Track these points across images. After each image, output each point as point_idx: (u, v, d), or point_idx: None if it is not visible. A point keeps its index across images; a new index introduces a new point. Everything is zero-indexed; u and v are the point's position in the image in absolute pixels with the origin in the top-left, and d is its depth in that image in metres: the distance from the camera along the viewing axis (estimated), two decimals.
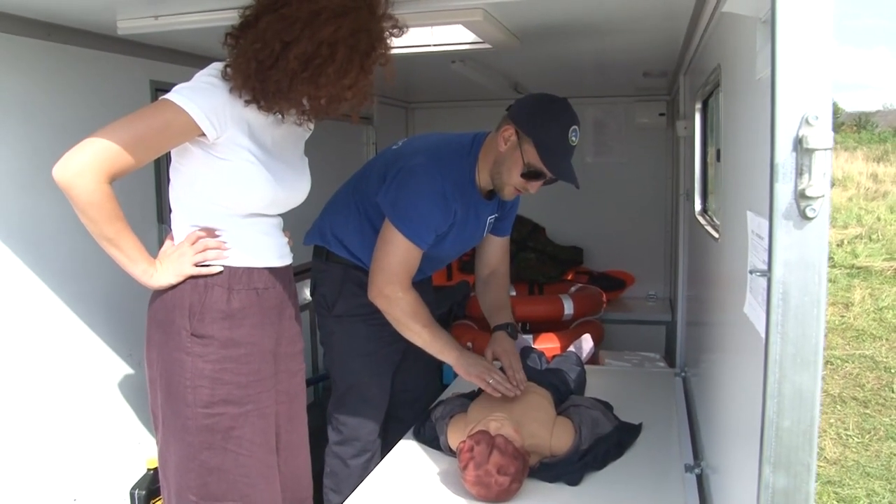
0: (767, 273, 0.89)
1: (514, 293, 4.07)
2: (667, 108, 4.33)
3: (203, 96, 1.59)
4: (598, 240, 4.61)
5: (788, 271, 0.86)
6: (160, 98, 1.61)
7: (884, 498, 3.94)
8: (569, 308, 3.72)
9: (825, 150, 0.82)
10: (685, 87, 3.05)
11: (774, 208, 0.86)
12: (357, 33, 1.56)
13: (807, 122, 0.83)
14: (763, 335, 1.03)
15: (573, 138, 2.10)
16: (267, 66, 1.56)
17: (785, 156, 0.85)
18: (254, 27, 1.58)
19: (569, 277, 4.47)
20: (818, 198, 0.84)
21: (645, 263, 4.58)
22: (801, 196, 0.84)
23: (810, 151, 0.83)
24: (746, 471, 1.33)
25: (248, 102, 1.62)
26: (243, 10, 1.60)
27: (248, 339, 1.74)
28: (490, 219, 2.36)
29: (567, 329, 3.75)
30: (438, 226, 2.15)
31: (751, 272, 1.00)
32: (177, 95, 1.58)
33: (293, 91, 1.60)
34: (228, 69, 1.61)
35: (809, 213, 0.84)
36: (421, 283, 2.31)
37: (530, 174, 2.13)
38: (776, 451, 0.89)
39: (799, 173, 0.84)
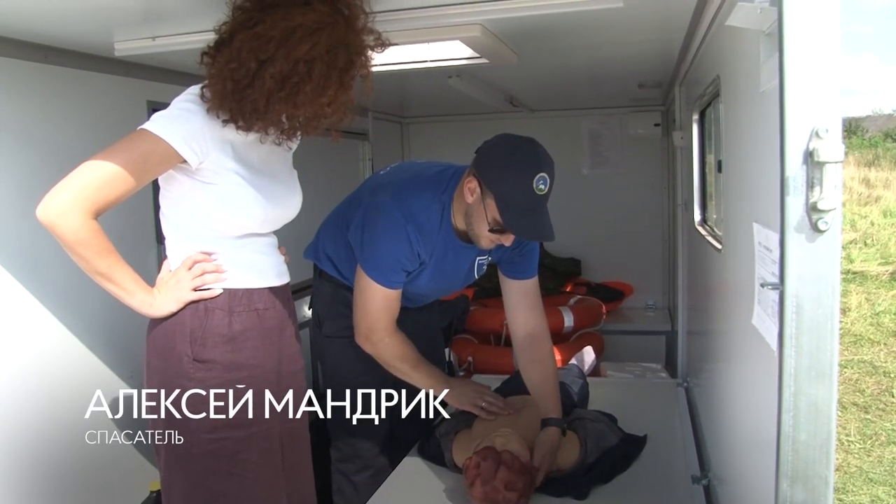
0: (779, 286, 0.89)
1: None
2: (662, 119, 4.35)
3: (180, 123, 1.57)
4: (595, 251, 4.62)
5: (801, 284, 0.86)
6: (138, 128, 1.58)
7: None
8: (569, 320, 3.73)
9: (836, 162, 0.82)
10: (681, 98, 3.07)
11: (786, 221, 0.86)
12: (334, 49, 1.53)
13: (817, 134, 0.83)
14: (775, 347, 1.03)
15: (541, 186, 1.89)
16: (243, 85, 1.53)
17: (795, 169, 0.85)
18: (228, 45, 1.55)
19: (567, 289, 4.47)
20: (830, 210, 0.84)
21: (642, 273, 4.58)
22: (812, 209, 0.84)
23: (821, 164, 0.83)
24: (757, 482, 1.33)
25: (225, 122, 1.59)
26: (218, 27, 1.57)
27: (250, 361, 1.72)
28: (480, 260, 2.22)
29: (567, 341, 3.75)
30: (404, 266, 2.06)
31: (762, 285, 0.99)
32: (154, 124, 1.55)
33: (270, 111, 1.57)
34: (205, 90, 1.59)
35: (821, 226, 0.84)
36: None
37: (498, 230, 1.97)
38: (793, 464, 0.88)
39: (810, 186, 0.84)
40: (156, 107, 2.42)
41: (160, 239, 2.49)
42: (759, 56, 1.11)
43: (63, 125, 2.14)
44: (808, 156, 0.84)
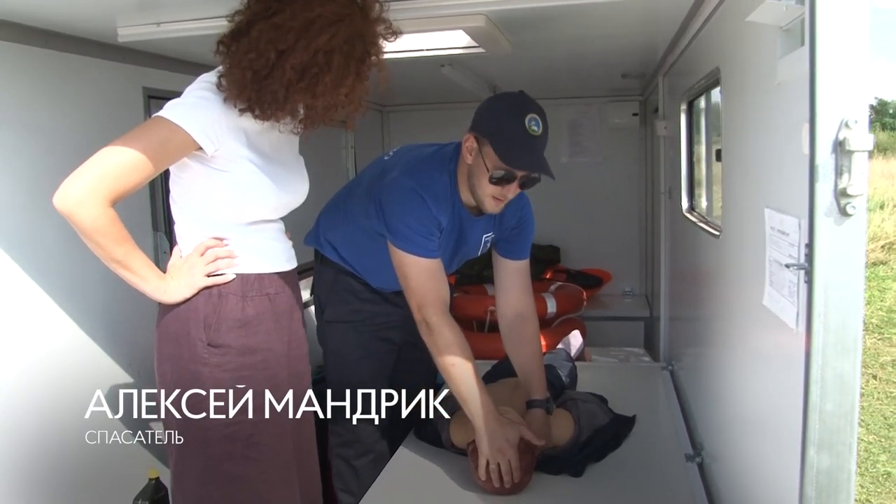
0: (807, 267, 0.95)
1: (494, 293, 4.11)
2: (640, 109, 4.44)
3: (197, 111, 1.58)
4: (573, 238, 4.70)
5: (830, 265, 0.93)
6: (153, 116, 1.59)
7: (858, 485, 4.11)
8: (552, 306, 3.79)
9: (865, 151, 0.89)
10: (664, 88, 3.14)
11: (815, 206, 0.92)
12: (352, 40, 1.56)
13: (846, 125, 0.90)
14: (793, 325, 1.10)
15: (534, 127, 1.95)
16: (262, 75, 1.55)
17: (825, 157, 0.91)
18: (246, 35, 1.56)
19: (547, 276, 4.54)
20: (858, 196, 0.90)
21: (620, 260, 4.68)
22: (842, 194, 0.91)
23: (850, 153, 0.89)
24: (764, 457, 1.40)
25: (242, 111, 1.61)
26: (232, 16, 1.59)
27: (263, 345, 1.75)
28: (486, 237, 2.26)
29: (550, 327, 3.82)
30: (430, 230, 2.09)
31: (787, 266, 1.06)
32: (170, 112, 1.56)
33: (290, 101, 1.59)
34: (222, 80, 1.60)
35: (850, 210, 0.91)
36: None
37: (498, 178, 2.00)
38: (820, 433, 0.95)
39: (839, 173, 0.91)
40: (152, 93, 2.43)
41: (155, 227, 2.50)
42: (775, 50, 1.17)
43: (60, 110, 2.13)
44: (838, 145, 0.90)
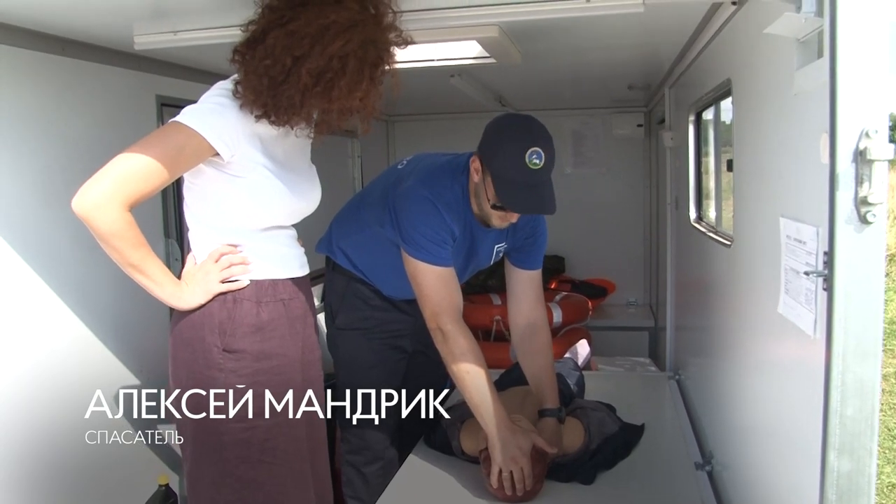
0: (826, 274, 0.97)
1: (499, 302, 4.14)
2: (644, 120, 4.46)
3: (214, 117, 1.60)
4: (578, 248, 4.71)
5: (851, 271, 0.94)
6: (170, 121, 1.61)
7: None
8: (557, 316, 3.81)
9: (885, 160, 0.90)
10: (671, 100, 3.16)
11: (836, 214, 0.94)
12: (365, 45, 1.59)
13: (867, 135, 0.92)
14: (810, 332, 1.11)
15: (535, 160, 1.92)
16: (279, 81, 1.57)
17: (846, 166, 0.93)
18: (262, 43, 1.59)
19: (552, 286, 4.56)
20: (878, 204, 0.92)
21: (623, 271, 4.69)
22: (862, 203, 0.92)
23: (871, 162, 0.91)
24: (779, 464, 1.41)
25: (258, 118, 1.63)
26: (246, 25, 1.61)
27: (278, 350, 1.76)
28: (498, 247, 2.27)
29: (556, 336, 3.82)
30: (444, 238, 2.10)
31: (806, 273, 1.07)
32: (188, 117, 1.58)
33: (306, 105, 1.61)
34: (239, 87, 1.63)
35: (870, 218, 0.92)
36: None
37: (500, 207, 2.02)
38: (840, 437, 0.96)
39: (859, 182, 0.92)
40: (165, 101, 2.45)
41: (167, 233, 2.52)
42: (791, 62, 1.19)
43: (76, 118, 2.15)
44: (859, 154, 0.92)
